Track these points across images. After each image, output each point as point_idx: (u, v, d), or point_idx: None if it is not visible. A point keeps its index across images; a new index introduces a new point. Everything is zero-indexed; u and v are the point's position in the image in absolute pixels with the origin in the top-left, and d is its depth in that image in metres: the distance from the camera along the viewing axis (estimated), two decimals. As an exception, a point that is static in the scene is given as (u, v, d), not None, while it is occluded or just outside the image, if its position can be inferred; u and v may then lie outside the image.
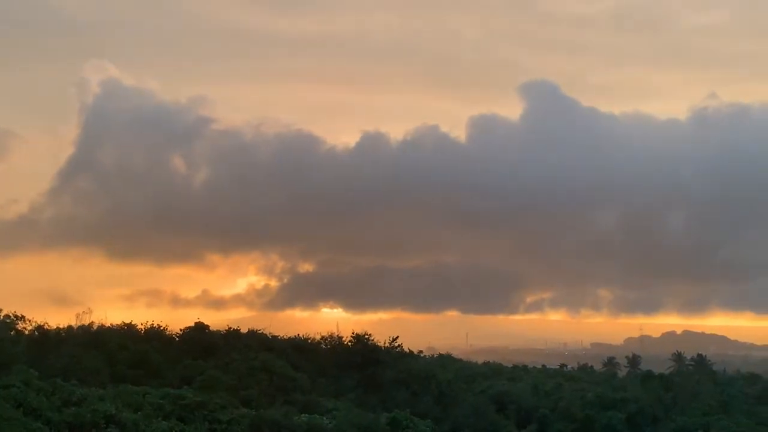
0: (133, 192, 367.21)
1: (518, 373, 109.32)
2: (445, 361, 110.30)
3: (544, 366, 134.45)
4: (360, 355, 71.43)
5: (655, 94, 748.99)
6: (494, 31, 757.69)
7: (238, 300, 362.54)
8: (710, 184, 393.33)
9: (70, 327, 68.84)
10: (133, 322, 71.53)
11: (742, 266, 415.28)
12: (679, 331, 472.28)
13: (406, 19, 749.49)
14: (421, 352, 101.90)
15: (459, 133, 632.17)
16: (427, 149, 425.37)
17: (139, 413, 40.39)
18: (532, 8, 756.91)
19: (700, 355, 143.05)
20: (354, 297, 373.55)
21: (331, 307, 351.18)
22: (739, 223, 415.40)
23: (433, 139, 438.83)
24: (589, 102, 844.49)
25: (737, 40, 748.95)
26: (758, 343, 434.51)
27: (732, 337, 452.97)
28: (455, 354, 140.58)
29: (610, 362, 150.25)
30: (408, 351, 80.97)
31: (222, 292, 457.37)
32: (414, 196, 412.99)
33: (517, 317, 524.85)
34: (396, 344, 75.91)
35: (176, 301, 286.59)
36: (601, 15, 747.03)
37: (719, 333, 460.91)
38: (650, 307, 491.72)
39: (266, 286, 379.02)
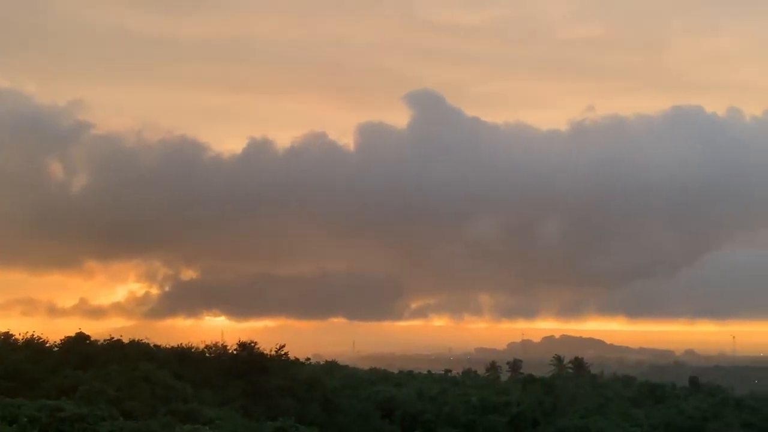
0: (8, 197, 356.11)
1: (404, 378, 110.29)
2: (331, 367, 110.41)
3: (429, 371, 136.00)
4: (245, 364, 70.67)
5: (536, 105, 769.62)
6: (381, 39, 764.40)
7: (118, 308, 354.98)
8: (587, 194, 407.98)
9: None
10: (10, 332, 69.19)
11: (615, 272, 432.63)
12: (558, 336, 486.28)
13: (292, 24, 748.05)
14: (307, 359, 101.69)
15: (347, 140, 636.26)
16: (314, 156, 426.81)
17: (14, 425, 39.05)
18: (417, 17, 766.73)
19: (578, 359, 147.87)
20: (239, 304, 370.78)
21: (215, 315, 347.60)
22: (613, 231, 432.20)
23: (320, 147, 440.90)
24: (473, 112, 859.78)
25: (613, 53, 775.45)
26: (633, 346, 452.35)
27: (608, 341, 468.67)
28: (342, 361, 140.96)
29: (493, 367, 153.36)
30: (294, 358, 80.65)
31: (101, 300, 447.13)
32: (300, 203, 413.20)
33: (403, 323, 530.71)
34: (282, 352, 75.46)
35: (52, 310, 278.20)
36: (484, 25, 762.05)
37: (597, 337, 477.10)
38: (530, 312, 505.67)
39: (147, 294, 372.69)
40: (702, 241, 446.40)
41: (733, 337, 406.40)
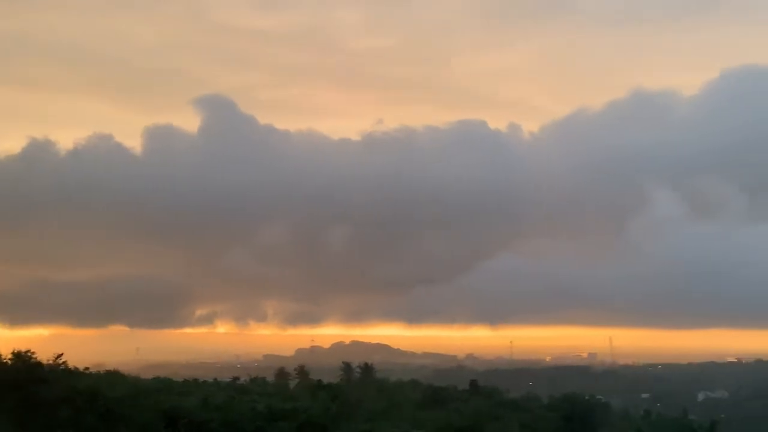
0: None
1: (189, 387, 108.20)
2: (113, 377, 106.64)
3: (215, 379, 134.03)
4: (20, 374, 67.12)
5: (329, 114, 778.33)
6: (170, 40, 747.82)
7: None
8: (375, 203, 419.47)
9: None
10: None
11: (399, 279, 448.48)
12: (347, 342, 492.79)
13: (75, 19, 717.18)
14: (87, 368, 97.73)
15: (134, 143, 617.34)
16: (99, 159, 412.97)
17: None
18: (208, 19, 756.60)
19: (366, 364, 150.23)
20: (12, 311, 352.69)
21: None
22: (398, 239, 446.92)
23: (106, 149, 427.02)
24: (265, 117, 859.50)
25: (403, 65, 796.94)
26: (418, 351, 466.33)
27: (395, 346, 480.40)
28: (124, 370, 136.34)
29: (282, 374, 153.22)
30: (73, 368, 77.49)
31: None
32: (82, 206, 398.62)
33: (188, 330, 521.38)
34: (60, 361, 72.38)
35: None
36: (277, 31, 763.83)
37: (384, 342, 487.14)
38: (316, 318, 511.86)
39: None
40: (480, 250, 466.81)
41: (511, 342, 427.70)
